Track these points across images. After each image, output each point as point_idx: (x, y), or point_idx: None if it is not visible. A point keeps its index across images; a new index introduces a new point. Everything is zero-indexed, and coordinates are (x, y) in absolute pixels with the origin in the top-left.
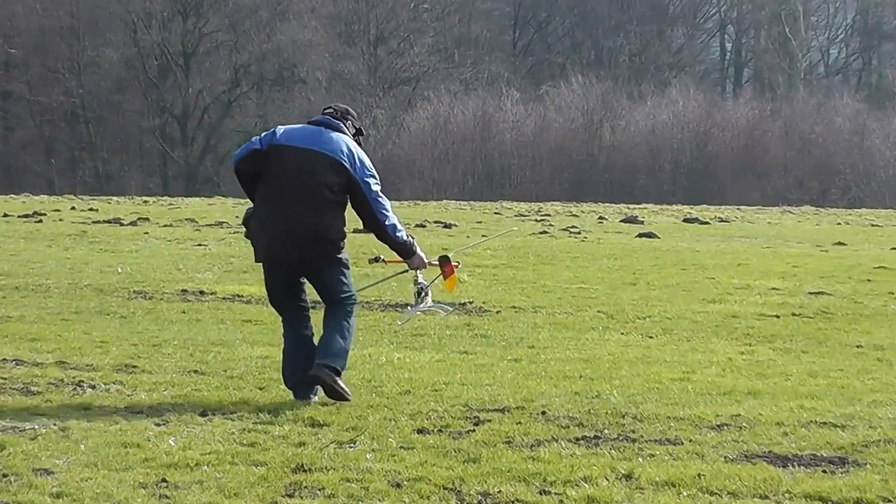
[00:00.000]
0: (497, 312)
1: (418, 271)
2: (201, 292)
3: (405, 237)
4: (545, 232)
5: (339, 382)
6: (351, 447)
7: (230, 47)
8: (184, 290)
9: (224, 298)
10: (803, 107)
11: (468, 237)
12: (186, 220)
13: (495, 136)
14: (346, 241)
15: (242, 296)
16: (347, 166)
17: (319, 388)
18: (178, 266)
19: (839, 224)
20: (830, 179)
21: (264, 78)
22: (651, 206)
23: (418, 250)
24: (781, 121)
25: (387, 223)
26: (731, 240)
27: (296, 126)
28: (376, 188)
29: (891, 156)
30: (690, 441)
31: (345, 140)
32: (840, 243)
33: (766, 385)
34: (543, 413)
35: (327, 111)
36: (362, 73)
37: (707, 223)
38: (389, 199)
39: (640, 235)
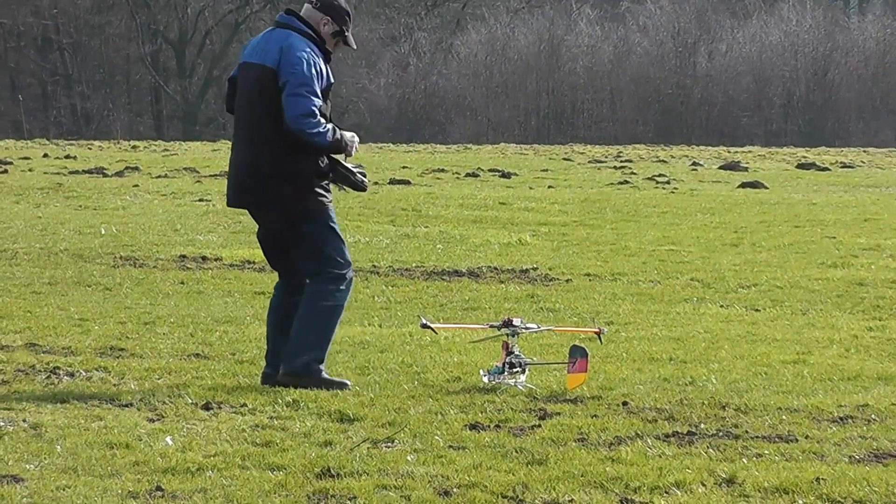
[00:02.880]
0: (567, 281)
1: (515, 345)
2: (203, 258)
3: (329, 137)
4: (626, 182)
5: (319, 378)
6: (388, 447)
7: None
8: (182, 256)
9: (231, 265)
10: None
11: (531, 189)
12: (185, 169)
13: (565, 65)
14: (304, 181)
15: (253, 262)
16: (273, 69)
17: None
18: (174, 226)
19: None
20: None
21: None
22: (757, 150)
23: (344, 136)
24: None
25: (304, 129)
26: (857, 190)
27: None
28: (298, 89)
29: None
30: (807, 437)
31: (287, 38)
32: None
33: None
34: (625, 404)
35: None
36: None
37: (826, 169)
38: (434, 142)
39: (744, 185)
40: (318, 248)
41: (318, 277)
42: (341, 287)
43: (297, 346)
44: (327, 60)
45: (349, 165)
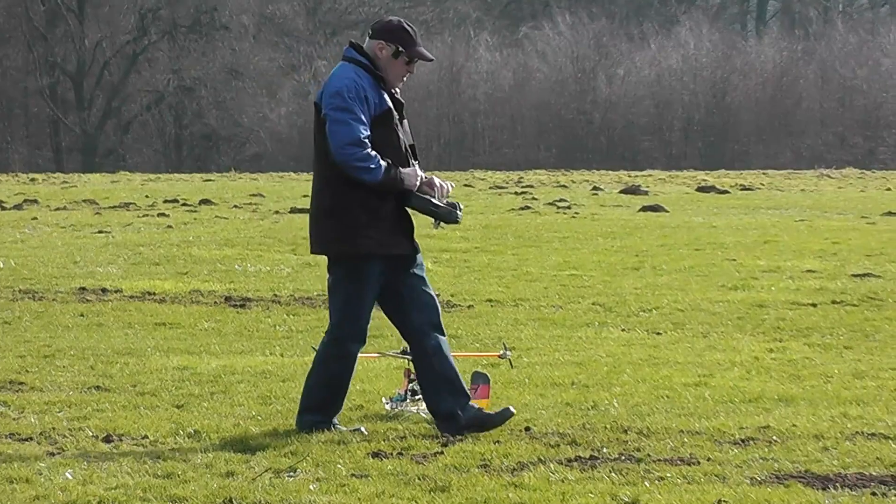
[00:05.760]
0: (469, 307)
1: (410, 362)
2: (103, 290)
3: (380, 175)
4: (527, 207)
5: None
6: (291, 476)
7: None
8: (82, 288)
9: (132, 297)
10: (842, 46)
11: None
12: (84, 201)
13: (465, 91)
14: (348, 218)
15: (154, 293)
16: (318, 103)
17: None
18: (74, 259)
19: (889, 189)
20: (878, 135)
21: (177, 24)
22: (657, 173)
23: (403, 174)
24: (816, 64)
25: (349, 161)
26: (757, 212)
27: None
28: (338, 115)
29: None
30: (709, 460)
31: (336, 72)
32: (891, 213)
33: (802, 389)
34: (527, 429)
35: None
36: (298, 17)
37: (726, 192)
38: None
39: (645, 209)
40: (334, 298)
41: (330, 331)
42: (340, 355)
43: (305, 399)
44: (385, 87)
45: (432, 198)
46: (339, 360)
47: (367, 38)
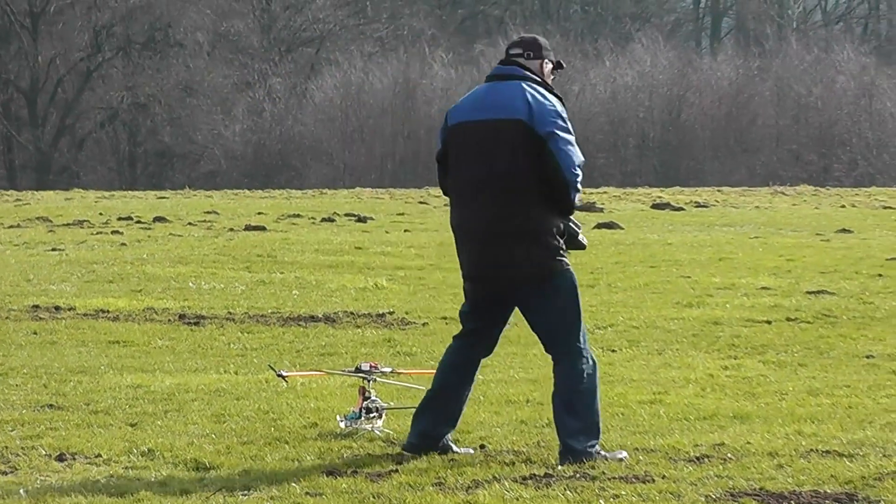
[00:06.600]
0: (424, 325)
1: (371, 390)
2: (57, 308)
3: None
4: None
5: (598, 456)
6: (245, 495)
7: (88, 4)
8: (35, 306)
9: (85, 315)
10: (797, 64)
11: (387, 233)
12: (38, 218)
13: (420, 108)
14: (559, 240)
15: (108, 311)
16: (525, 121)
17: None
18: (27, 276)
19: (843, 207)
20: (832, 152)
21: (131, 41)
22: (612, 190)
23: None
24: (771, 81)
25: (575, 182)
26: (711, 229)
27: (470, 92)
28: (567, 136)
29: None
30: (663, 477)
31: (521, 87)
32: (845, 230)
33: (756, 407)
34: (482, 447)
35: (511, 52)
36: (253, 33)
37: (681, 209)
38: (290, 187)
39: (599, 226)
40: (565, 317)
41: (566, 357)
42: (590, 362)
43: (568, 436)
44: None
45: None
46: (593, 371)
47: (521, 59)
